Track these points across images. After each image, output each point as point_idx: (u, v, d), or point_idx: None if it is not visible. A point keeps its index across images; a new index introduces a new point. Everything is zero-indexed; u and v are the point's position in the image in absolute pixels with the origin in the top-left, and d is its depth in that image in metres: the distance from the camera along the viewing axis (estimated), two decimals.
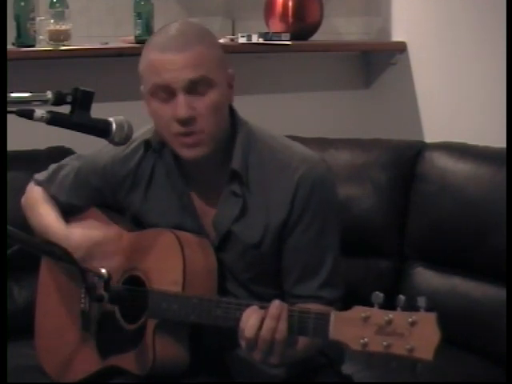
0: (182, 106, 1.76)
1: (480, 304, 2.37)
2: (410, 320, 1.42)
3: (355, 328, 1.48)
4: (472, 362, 2.31)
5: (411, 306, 1.45)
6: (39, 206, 2.06)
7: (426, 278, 2.50)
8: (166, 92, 1.78)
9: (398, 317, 1.44)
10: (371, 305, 1.48)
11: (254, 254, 1.89)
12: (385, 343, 1.44)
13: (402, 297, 1.46)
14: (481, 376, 2.24)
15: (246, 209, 1.87)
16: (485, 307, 2.36)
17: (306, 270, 1.88)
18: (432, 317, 1.42)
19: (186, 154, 1.81)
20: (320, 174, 1.87)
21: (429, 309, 1.43)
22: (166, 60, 1.77)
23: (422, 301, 1.43)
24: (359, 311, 1.48)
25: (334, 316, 1.53)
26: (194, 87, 1.77)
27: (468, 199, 2.41)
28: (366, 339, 1.46)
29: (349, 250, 1.97)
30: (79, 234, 1.94)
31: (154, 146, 1.91)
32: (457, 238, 2.42)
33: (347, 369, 2.01)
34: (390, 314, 1.45)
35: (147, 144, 1.93)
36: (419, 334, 1.42)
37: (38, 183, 2.10)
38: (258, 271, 1.92)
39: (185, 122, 1.77)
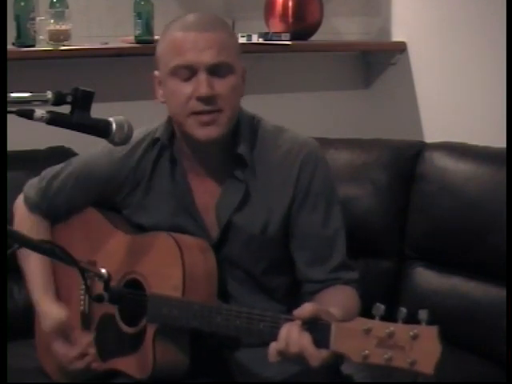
0: (204, 83, 1.78)
1: (480, 304, 2.36)
2: (411, 333, 1.40)
3: (356, 340, 1.46)
4: (472, 361, 2.30)
5: (412, 318, 1.43)
6: (27, 258, 2.04)
7: (426, 277, 2.49)
8: (188, 71, 1.80)
9: (400, 330, 1.42)
10: (372, 316, 1.45)
11: (259, 241, 1.89)
12: (386, 356, 1.42)
13: (403, 309, 1.43)
14: (481, 376, 2.24)
15: (248, 195, 1.88)
16: (485, 307, 2.35)
17: (319, 253, 1.90)
18: (434, 330, 1.40)
19: (201, 133, 1.82)
20: (320, 157, 1.93)
21: (430, 322, 1.41)
22: (189, 39, 1.79)
23: (423, 314, 1.41)
24: (361, 323, 1.46)
25: (335, 327, 1.51)
26: (215, 70, 1.80)
27: (468, 199, 2.41)
28: (366, 351, 1.44)
29: (348, 250, 1.97)
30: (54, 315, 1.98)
31: (163, 143, 1.92)
32: (457, 238, 2.42)
33: (347, 369, 2.01)
34: (392, 327, 1.42)
35: (156, 141, 1.93)
36: (420, 348, 1.40)
37: (29, 205, 2.06)
38: (268, 260, 1.93)
39: (206, 99, 1.79)
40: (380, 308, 1.45)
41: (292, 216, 1.89)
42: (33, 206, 2.06)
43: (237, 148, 1.87)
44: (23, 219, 2.07)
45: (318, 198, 1.89)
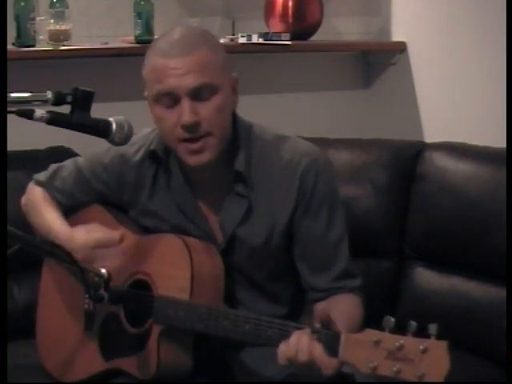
0: (186, 111, 1.76)
1: (480, 304, 2.36)
2: (421, 347, 1.41)
3: (365, 351, 1.46)
4: (472, 361, 2.30)
5: (421, 331, 1.43)
6: (41, 207, 2.05)
7: (426, 277, 2.49)
8: (170, 98, 1.78)
9: (410, 343, 1.42)
10: (381, 328, 1.46)
11: (262, 253, 1.89)
12: (395, 368, 1.43)
13: (413, 323, 1.43)
14: (481, 376, 2.24)
15: (251, 209, 1.88)
16: (485, 307, 2.35)
17: (322, 261, 1.89)
18: (443, 345, 1.41)
19: (192, 160, 1.81)
20: (322, 165, 1.90)
21: (440, 336, 1.42)
22: (169, 65, 1.76)
23: (433, 328, 1.41)
24: (370, 334, 1.47)
25: (345, 337, 1.52)
26: (198, 94, 1.77)
27: (468, 199, 2.41)
28: (375, 363, 1.45)
29: (349, 250, 1.97)
30: (82, 236, 1.91)
31: (160, 156, 1.91)
32: (457, 238, 2.42)
33: (348, 368, 2.00)
34: (402, 340, 1.43)
35: (152, 154, 1.93)
36: (430, 362, 1.40)
37: (39, 184, 2.09)
38: (272, 268, 1.93)
39: (190, 127, 1.77)
40: (390, 320, 1.45)
41: (295, 224, 1.88)
42: (46, 188, 2.08)
43: (234, 164, 1.86)
44: (41, 197, 2.07)
45: (321, 207, 1.88)
